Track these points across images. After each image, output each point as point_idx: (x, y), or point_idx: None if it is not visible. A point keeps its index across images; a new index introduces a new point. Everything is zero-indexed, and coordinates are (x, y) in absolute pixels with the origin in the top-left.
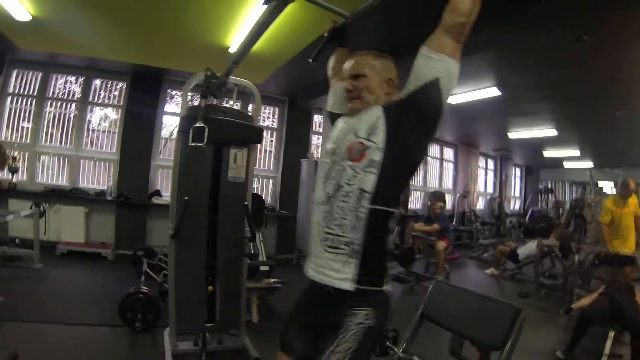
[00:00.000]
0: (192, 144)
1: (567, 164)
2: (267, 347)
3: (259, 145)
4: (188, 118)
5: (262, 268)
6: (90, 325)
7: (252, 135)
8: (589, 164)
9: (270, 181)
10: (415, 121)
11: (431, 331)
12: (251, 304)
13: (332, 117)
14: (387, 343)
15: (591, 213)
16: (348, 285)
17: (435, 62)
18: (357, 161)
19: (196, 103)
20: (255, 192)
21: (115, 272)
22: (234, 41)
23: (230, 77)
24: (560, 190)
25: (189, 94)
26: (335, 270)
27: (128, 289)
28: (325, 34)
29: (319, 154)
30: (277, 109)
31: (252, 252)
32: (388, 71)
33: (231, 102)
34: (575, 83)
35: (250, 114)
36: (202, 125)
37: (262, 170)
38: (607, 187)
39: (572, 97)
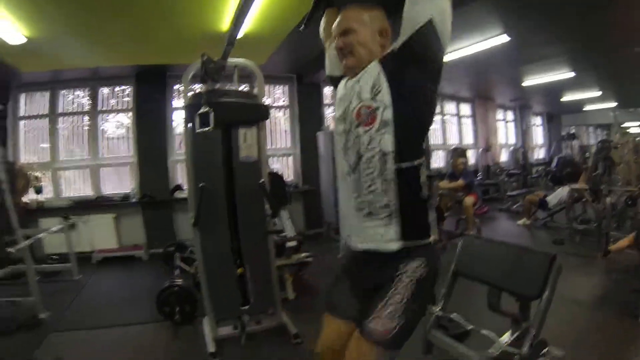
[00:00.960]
0: (200, 130)
1: (588, 107)
2: (306, 322)
3: (268, 122)
4: (192, 106)
5: (290, 244)
6: (132, 324)
7: (258, 113)
8: (611, 105)
9: (290, 158)
10: (417, 69)
11: (466, 287)
12: (285, 281)
13: (334, 82)
14: None
15: (619, 154)
16: (395, 246)
17: (424, 3)
18: (369, 125)
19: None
20: (276, 171)
21: (150, 271)
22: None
23: (229, 59)
24: (583, 134)
25: (190, 83)
26: (379, 235)
27: (163, 284)
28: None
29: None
30: (286, 87)
31: (276, 229)
32: (378, 21)
33: (235, 83)
34: (590, 19)
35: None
36: (206, 109)
37: (281, 149)
38: (633, 127)
39: (588, 35)
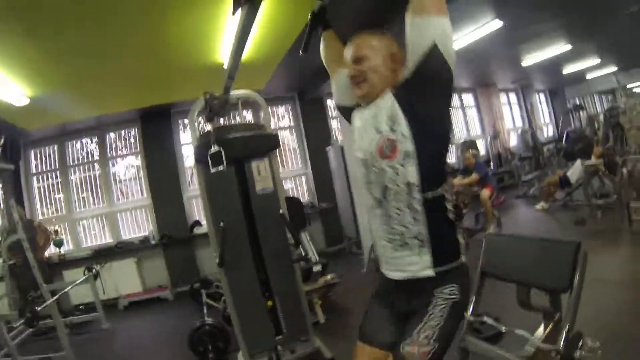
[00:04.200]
0: (214, 169)
1: (590, 75)
2: (340, 344)
3: (278, 150)
4: (201, 146)
5: (315, 268)
6: None
7: (268, 144)
8: (612, 69)
9: (303, 178)
10: (429, 94)
11: (493, 285)
12: (314, 306)
13: (344, 112)
14: None
15: (628, 119)
16: (430, 272)
17: (424, 27)
18: (392, 158)
19: (206, 129)
20: (289, 194)
21: (178, 310)
22: (223, 57)
23: (231, 92)
24: (589, 104)
25: (198, 119)
26: (413, 264)
27: (193, 324)
28: (308, 21)
29: (342, 139)
30: (289, 106)
31: (300, 255)
32: (388, 47)
33: (240, 115)
34: None
35: (261, 122)
36: (217, 149)
37: (292, 170)
38: (637, 88)
39: (579, 5)
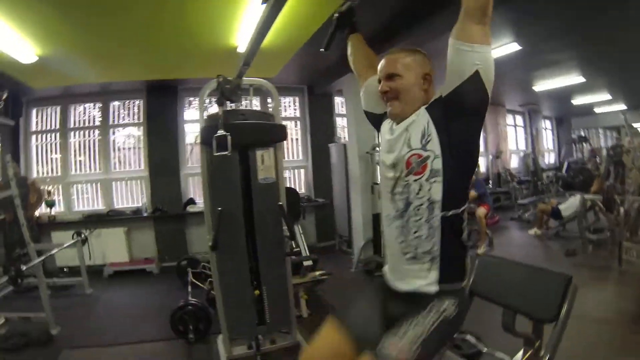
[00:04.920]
0: (217, 153)
1: (598, 109)
2: None
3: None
4: (209, 128)
5: (306, 263)
6: (146, 342)
7: (275, 134)
8: (621, 107)
9: (302, 170)
10: (464, 118)
11: (482, 307)
12: (299, 300)
13: (372, 119)
14: None
15: (631, 158)
16: (434, 289)
17: (469, 54)
18: (420, 174)
19: (213, 110)
20: (287, 184)
21: (162, 285)
22: (239, 40)
23: (244, 78)
24: (594, 137)
25: (206, 100)
26: (420, 278)
27: (177, 302)
28: (334, 19)
29: (346, 137)
30: (297, 98)
31: (293, 248)
32: (423, 66)
33: (249, 101)
34: (599, 23)
35: (270, 111)
36: (223, 133)
37: (292, 161)
38: None
39: (597, 39)
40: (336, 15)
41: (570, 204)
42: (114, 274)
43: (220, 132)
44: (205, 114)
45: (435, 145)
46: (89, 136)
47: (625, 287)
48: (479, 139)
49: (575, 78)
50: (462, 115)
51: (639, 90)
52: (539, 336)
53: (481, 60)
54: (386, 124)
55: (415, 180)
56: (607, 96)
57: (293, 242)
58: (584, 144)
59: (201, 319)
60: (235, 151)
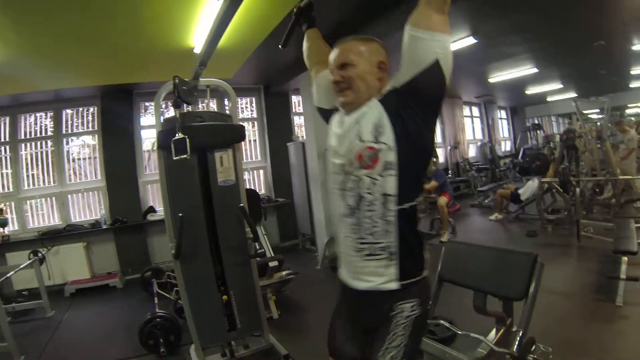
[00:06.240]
0: (176, 157)
1: (550, 98)
2: (294, 341)
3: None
4: (166, 132)
5: (272, 264)
6: None
7: (234, 135)
8: (572, 95)
9: (261, 171)
10: (420, 107)
11: (451, 291)
12: (269, 301)
13: (324, 114)
14: None
15: (583, 142)
16: (394, 285)
17: (428, 42)
18: (371, 168)
19: (170, 114)
20: (247, 186)
21: (128, 299)
22: (196, 41)
23: (200, 79)
24: (547, 124)
25: (162, 104)
26: (378, 275)
27: (144, 317)
28: (293, 15)
29: (304, 136)
30: (253, 98)
31: (257, 250)
32: (377, 54)
33: (206, 103)
34: (552, 18)
35: (228, 112)
36: (181, 136)
37: (251, 162)
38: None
39: (550, 34)
40: (295, 10)
41: (528, 187)
42: (75, 292)
43: (179, 135)
44: (162, 117)
45: (388, 138)
46: (42, 147)
47: (586, 262)
48: (435, 129)
49: (529, 69)
50: (419, 104)
51: (588, 79)
52: (509, 314)
53: (441, 49)
54: (335, 118)
55: (367, 175)
56: (559, 85)
57: (257, 243)
58: (538, 131)
59: (171, 331)
60: (194, 154)
